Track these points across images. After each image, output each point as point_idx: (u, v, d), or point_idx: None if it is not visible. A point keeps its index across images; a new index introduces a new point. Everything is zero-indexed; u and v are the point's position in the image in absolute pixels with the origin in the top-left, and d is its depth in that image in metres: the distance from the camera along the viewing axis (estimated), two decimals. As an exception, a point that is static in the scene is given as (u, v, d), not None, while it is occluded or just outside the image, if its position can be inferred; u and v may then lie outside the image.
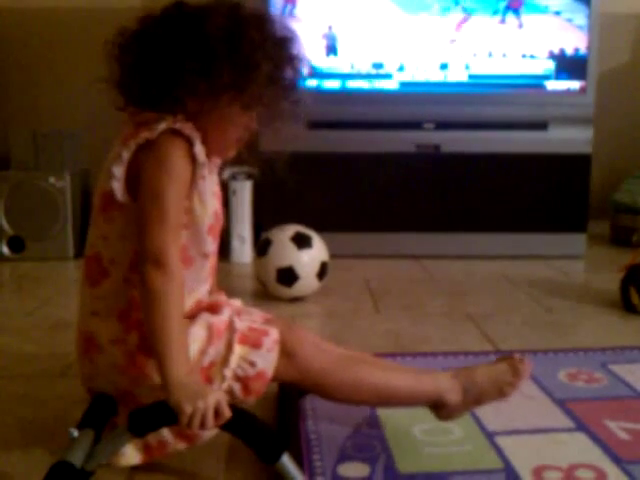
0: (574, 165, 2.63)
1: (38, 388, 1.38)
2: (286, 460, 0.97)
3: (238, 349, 1.05)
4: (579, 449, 1.13)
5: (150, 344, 0.96)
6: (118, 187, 0.99)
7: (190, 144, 0.99)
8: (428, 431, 1.17)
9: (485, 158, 2.62)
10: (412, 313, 1.92)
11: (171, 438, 1.02)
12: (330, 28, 2.56)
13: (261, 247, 2.05)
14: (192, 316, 1.05)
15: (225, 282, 2.19)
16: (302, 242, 2.00)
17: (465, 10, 2.54)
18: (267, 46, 0.99)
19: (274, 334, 1.08)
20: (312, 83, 2.52)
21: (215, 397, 0.90)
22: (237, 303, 1.18)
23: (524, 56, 2.57)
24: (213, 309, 1.09)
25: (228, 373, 1.03)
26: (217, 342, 1.04)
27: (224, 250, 2.09)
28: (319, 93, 2.53)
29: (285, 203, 2.57)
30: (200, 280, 1.09)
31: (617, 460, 1.09)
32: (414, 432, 1.16)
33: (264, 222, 2.52)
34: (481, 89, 2.59)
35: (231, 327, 1.06)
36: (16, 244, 2.58)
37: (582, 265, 2.58)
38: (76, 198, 2.64)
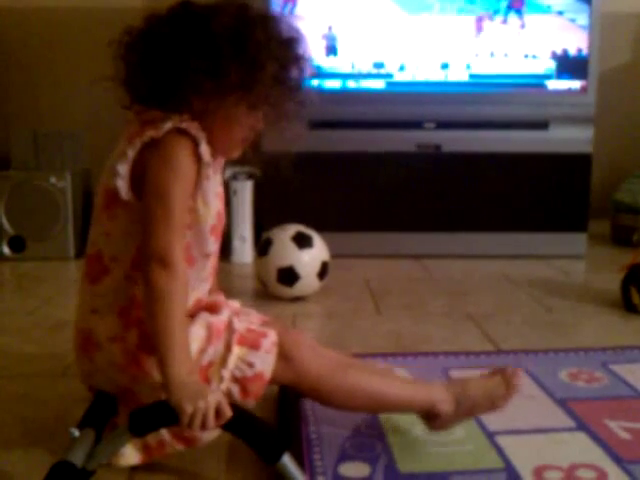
0: (575, 165, 2.63)
1: (38, 388, 1.38)
2: (287, 460, 0.97)
3: (236, 350, 1.05)
4: (580, 449, 1.13)
5: (152, 343, 0.96)
6: (122, 185, 0.99)
7: (196, 144, 0.99)
8: (429, 431, 1.17)
9: (486, 158, 2.62)
10: (413, 313, 1.92)
11: (170, 440, 1.02)
12: (330, 28, 2.56)
13: (262, 247, 2.05)
14: (191, 315, 1.05)
15: (226, 282, 2.19)
16: (303, 242, 2.00)
17: (486, 9, 2.54)
18: (274, 46, 0.99)
19: (272, 336, 1.08)
20: (313, 83, 2.52)
21: (216, 397, 0.90)
22: (235, 304, 1.18)
23: (526, 56, 2.57)
24: (212, 309, 1.09)
25: (226, 374, 1.03)
26: (216, 342, 1.04)
27: (225, 250, 2.09)
28: (319, 93, 2.52)
29: (286, 203, 2.57)
30: (201, 280, 1.09)
31: (618, 460, 1.09)
32: (415, 432, 1.16)
33: (265, 222, 2.51)
34: (482, 89, 2.59)
35: (230, 327, 1.06)
36: (17, 244, 2.58)
37: (583, 265, 2.58)
38: (77, 198, 2.64)
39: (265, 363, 1.06)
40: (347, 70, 2.58)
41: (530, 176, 2.64)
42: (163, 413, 0.92)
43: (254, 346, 1.06)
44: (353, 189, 2.63)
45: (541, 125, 2.61)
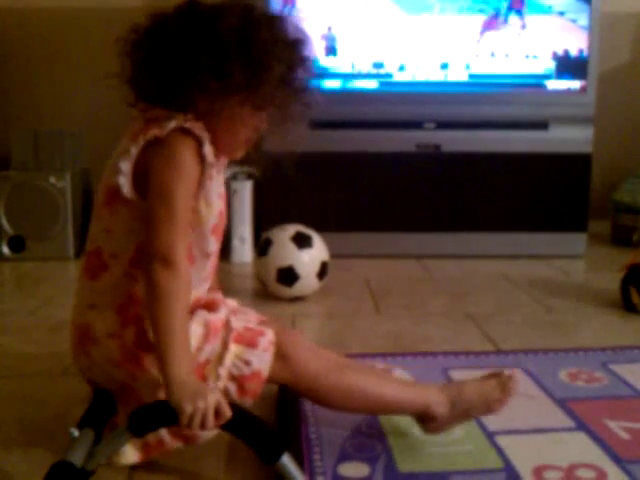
0: (574, 164, 2.62)
1: (38, 388, 1.38)
2: (286, 460, 0.97)
3: (233, 348, 1.05)
4: (579, 449, 1.13)
5: (151, 340, 0.96)
6: (125, 182, 0.99)
7: (199, 144, 0.99)
8: (424, 433, 1.16)
9: (485, 158, 2.62)
10: (412, 313, 1.92)
11: (169, 437, 1.03)
12: (329, 29, 2.56)
13: (261, 247, 2.05)
14: (189, 313, 1.05)
15: (225, 282, 2.19)
16: (302, 242, 2.00)
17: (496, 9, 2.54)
18: (279, 47, 0.99)
19: (270, 335, 1.08)
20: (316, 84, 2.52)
21: (215, 397, 0.90)
22: (233, 303, 1.18)
23: (526, 56, 2.57)
24: (210, 307, 1.09)
25: (223, 372, 1.03)
26: (213, 340, 1.04)
27: (224, 250, 2.09)
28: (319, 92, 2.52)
29: (285, 203, 2.57)
30: (200, 279, 1.09)
31: (617, 460, 1.09)
32: (414, 432, 1.16)
33: (264, 222, 2.51)
34: (481, 89, 2.59)
35: (227, 325, 1.07)
36: (16, 244, 2.58)
37: (582, 265, 2.58)
38: (76, 198, 2.64)
39: (262, 361, 1.06)
40: (347, 70, 2.58)
41: (530, 176, 2.64)
42: (162, 413, 0.92)
43: (251, 344, 1.06)
44: (353, 189, 2.63)
45: (541, 125, 2.61)
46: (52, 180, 2.56)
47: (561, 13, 2.56)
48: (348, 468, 1.06)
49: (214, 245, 1.09)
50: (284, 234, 2.01)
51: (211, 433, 1.03)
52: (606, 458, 1.09)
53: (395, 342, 1.68)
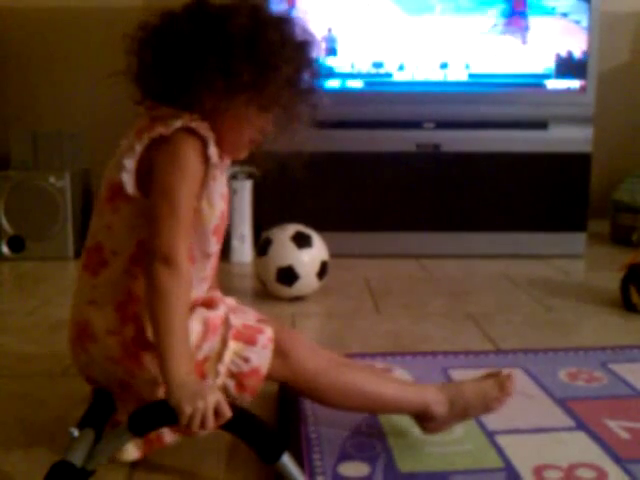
0: (574, 164, 2.63)
1: (38, 388, 1.38)
2: (286, 460, 0.97)
3: (232, 345, 1.05)
4: (579, 448, 1.13)
5: (153, 341, 0.96)
6: (128, 179, 0.99)
7: (204, 144, 0.99)
8: (423, 433, 1.16)
9: (485, 157, 2.62)
10: (412, 312, 1.92)
11: (169, 432, 1.03)
12: (330, 30, 2.56)
13: (261, 246, 2.05)
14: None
15: (225, 281, 2.19)
16: (302, 241, 2.00)
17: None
18: (287, 48, 0.99)
19: (269, 332, 1.08)
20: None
21: (215, 397, 0.90)
22: (231, 301, 1.18)
23: (526, 56, 2.57)
24: (208, 304, 1.09)
25: (222, 369, 1.03)
26: (212, 337, 1.04)
27: (224, 249, 2.08)
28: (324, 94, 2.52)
29: (285, 202, 2.57)
30: (200, 279, 1.09)
31: (617, 459, 1.09)
32: (414, 431, 1.16)
33: (264, 221, 2.51)
34: (481, 88, 2.59)
35: (226, 323, 1.07)
36: (16, 244, 2.58)
37: (582, 264, 2.58)
38: (76, 198, 2.64)
39: (261, 358, 1.06)
40: (346, 69, 2.58)
41: (529, 176, 2.64)
42: (162, 413, 0.92)
43: (250, 341, 1.06)
44: (353, 189, 2.63)
45: (540, 125, 2.61)
46: (52, 180, 2.56)
47: (564, 14, 2.56)
48: (348, 468, 1.06)
49: (215, 246, 1.09)
50: (284, 234, 2.02)
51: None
52: (606, 458, 1.09)
53: (395, 342, 1.68)
